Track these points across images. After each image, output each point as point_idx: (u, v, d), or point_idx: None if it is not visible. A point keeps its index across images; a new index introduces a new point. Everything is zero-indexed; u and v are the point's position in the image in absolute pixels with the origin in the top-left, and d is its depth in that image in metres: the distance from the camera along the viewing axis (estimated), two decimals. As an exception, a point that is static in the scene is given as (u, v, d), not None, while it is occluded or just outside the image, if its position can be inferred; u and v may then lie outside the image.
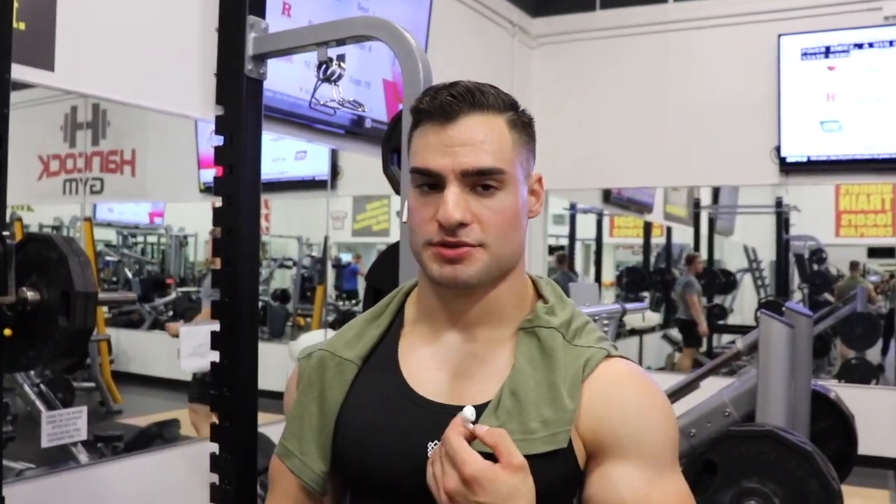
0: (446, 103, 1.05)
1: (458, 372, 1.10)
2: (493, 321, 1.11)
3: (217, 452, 1.98)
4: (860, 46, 6.12)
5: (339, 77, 1.92)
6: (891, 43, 6.03)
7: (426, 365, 1.12)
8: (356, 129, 4.73)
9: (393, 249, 1.84)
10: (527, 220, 1.11)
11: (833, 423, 3.34)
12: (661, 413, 1.06)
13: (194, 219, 6.31)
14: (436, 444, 1.01)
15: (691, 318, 8.36)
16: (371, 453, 1.09)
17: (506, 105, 1.08)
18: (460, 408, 1.00)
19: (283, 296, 7.45)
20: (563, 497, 1.06)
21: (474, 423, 0.96)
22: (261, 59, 1.99)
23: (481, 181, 1.03)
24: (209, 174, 5.26)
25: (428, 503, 0.99)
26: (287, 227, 7.13)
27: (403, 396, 1.10)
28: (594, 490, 1.04)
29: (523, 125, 1.10)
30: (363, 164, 5.31)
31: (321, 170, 5.46)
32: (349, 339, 1.18)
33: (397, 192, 1.87)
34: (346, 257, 9.62)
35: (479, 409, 1.03)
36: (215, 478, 2.03)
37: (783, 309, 3.17)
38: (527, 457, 0.96)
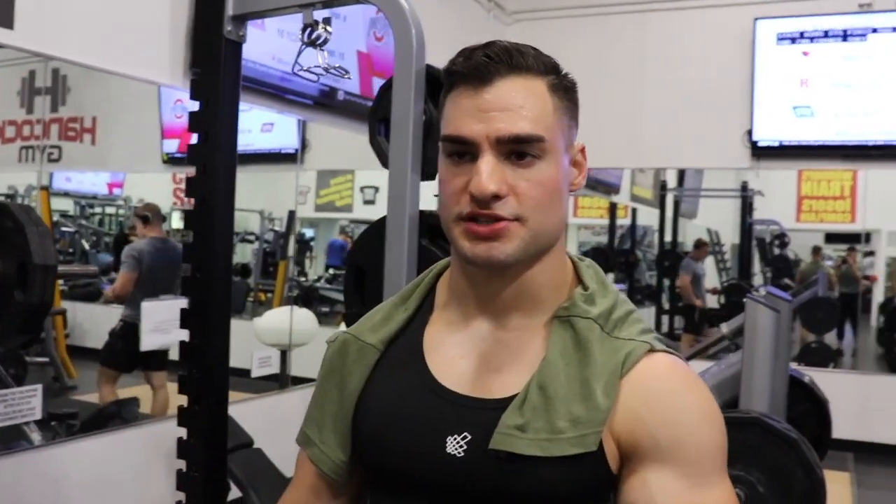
0: (481, 64, 0.95)
1: (486, 362, 1.00)
2: (526, 307, 1.00)
3: (185, 437, 1.87)
4: (834, 33, 6.09)
5: (325, 41, 1.81)
6: (864, 30, 6.01)
7: (452, 353, 1.02)
8: (327, 101, 4.60)
9: (378, 226, 1.74)
10: (568, 194, 1.00)
11: (808, 408, 3.32)
12: (707, 416, 0.94)
13: (155, 190, 6.15)
14: (455, 439, 0.96)
15: (691, 303, 8.37)
16: (389, 444, 1.01)
17: (547, 67, 0.98)
18: (484, 401, 0.95)
19: (243, 271, 7.32)
20: (591, 503, 0.96)
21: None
22: (241, 20, 1.87)
23: (519, 149, 0.94)
24: (172, 144, 5.16)
25: (445, 498, 0.96)
26: (249, 200, 6.99)
27: (425, 386, 1.01)
28: (630, 497, 0.93)
29: (566, 90, 0.99)
30: (330, 138, 5.19)
31: (288, 142, 5.33)
32: (375, 323, 1.10)
33: (384, 164, 1.76)
34: (309, 232, 9.50)
35: (505, 403, 0.95)
36: (181, 463, 1.92)
37: (765, 293, 3.13)
38: (552, 459, 0.90)
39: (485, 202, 0.92)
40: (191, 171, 1.90)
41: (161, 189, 5.74)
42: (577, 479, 0.92)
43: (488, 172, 0.92)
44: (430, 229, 1.72)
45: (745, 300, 2.85)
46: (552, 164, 0.95)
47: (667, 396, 0.94)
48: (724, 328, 3.26)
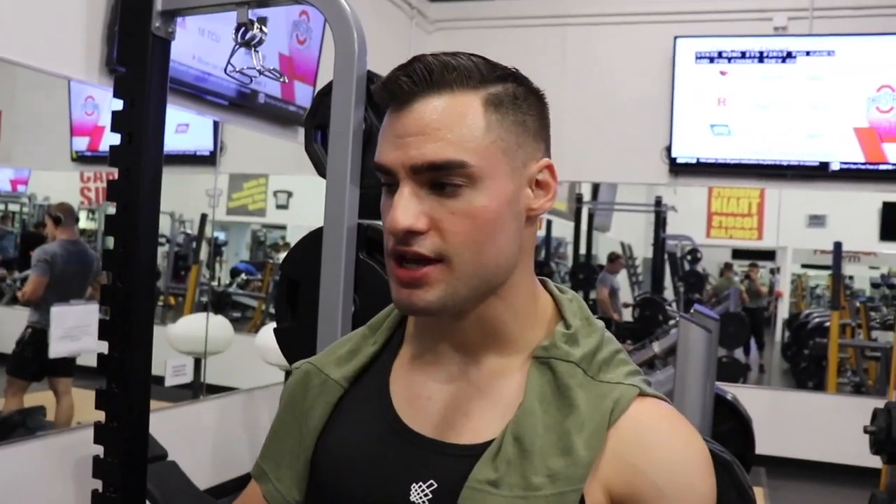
0: (398, 85, 0.85)
1: (456, 403, 0.92)
2: (497, 346, 0.92)
3: (102, 456, 1.76)
4: (751, 54, 6.24)
5: (260, 42, 1.73)
6: (780, 52, 6.17)
7: (421, 392, 0.94)
8: (244, 102, 4.49)
9: (315, 236, 1.67)
10: (522, 222, 0.89)
11: (733, 427, 3.34)
12: (706, 463, 0.88)
13: (62, 189, 5.92)
14: (420, 486, 0.87)
15: (608, 316, 8.43)
16: (347, 491, 0.92)
17: (485, 78, 0.87)
18: (453, 446, 0.88)
19: (153, 274, 7.11)
20: None
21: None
22: (170, 15, 1.77)
23: (438, 178, 0.83)
24: (82, 142, 4.97)
25: None
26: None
27: (390, 427, 0.93)
28: None
29: (513, 101, 0.88)
30: (246, 141, 5.08)
31: (203, 144, 5.19)
32: (341, 356, 1.01)
33: (320, 173, 1.69)
34: (221, 236, 9.31)
35: (476, 451, 0.87)
36: (96, 482, 1.81)
37: (692, 310, 3.15)
38: None
39: (402, 239, 0.84)
40: (112, 172, 1.79)
41: (68, 188, 5.54)
42: None
43: (401, 206, 0.83)
44: (369, 242, 1.66)
45: (678, 319, 2.85)
46: (485, 192, 0.84)
47: (666, 444, 0.87)
48: (657, 347, 3.28)
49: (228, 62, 1.75)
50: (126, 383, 1.74)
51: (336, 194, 1.61)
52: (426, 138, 0.83)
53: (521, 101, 0.89)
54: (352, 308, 1.63)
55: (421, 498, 0.87)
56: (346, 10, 1.63)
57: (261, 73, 1.74)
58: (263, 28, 1.73)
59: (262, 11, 1.77)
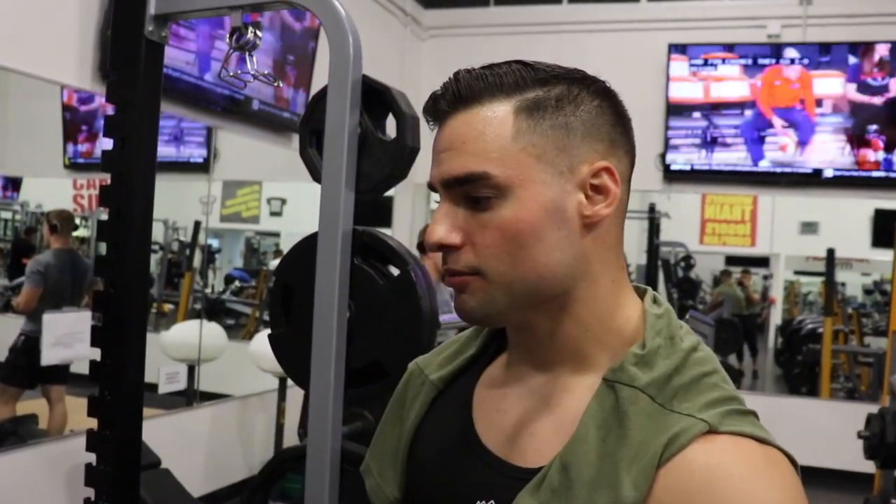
0: (434, 106, 0.89)
1: (526, 421, 0.89)
2: (572, 363, 0.88)
3: (94, 464, 1.74)
4: (745, 61, 6.25)
5: (255, 47, 1.71)
6: (772, 59, 6.18)
7: (499, 405, 0.92)
8: (238, 109, 4.48)
9: (310, 241, 1.65)
10: (576, 229, 0.85)
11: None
12: None
13: (55, 196, 5.90)
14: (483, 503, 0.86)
15: None
16: (423, 496, 0.95)
17: (520, 85, 0.85)
18: (514, 468, 0.86)
19: (146, 281, 7.08)
20: None
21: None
22: (164, 20, 1.76)
23: (469, 191, 0.84)
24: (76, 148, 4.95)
25: None
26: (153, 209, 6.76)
27: (465, 439, 0.93)
28: None
29: (557, 103, 0.85)
30: (239, 148, 5.08)
31: (197, 152, 5.19)
32: (446, 356, 1.03)
33: (314, 177, 1.68)
34: (215, 243, 9.29)
35: (531, 475, 0.83)
36: (88, 490, 1.79)
37: (687, 317, 3.14)
38: None
39: (443, 255, 0.86)
40: (105, 178, 1.78)
41: (61, 195, 5.52)
42: None
43: (437, 220, 0.86)
44: (364, 248, 1.64)
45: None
46: (515, 202, 0.83)
47: (715, 495, 0.74)
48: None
49: (222, 67, 1.74)
50: (119, 390, 1.72)
51: (331, 199, 1.60)
52: (453, 153, 0.85)
53: (566, 102, 0.86)
54: (347, 314, 1.62)
55: None
56: (341, 13, 1.62)
57: (255, 77, 1.73)
58: (258, 32, 1.72)
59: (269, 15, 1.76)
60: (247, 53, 1.72)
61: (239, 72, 1.75)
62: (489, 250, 0.84)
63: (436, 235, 0.85)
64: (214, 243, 9.22)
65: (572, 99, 0.86)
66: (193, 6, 1.75)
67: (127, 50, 1.73)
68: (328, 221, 1.60)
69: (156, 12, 1.73)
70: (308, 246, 1.66)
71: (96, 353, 1.79)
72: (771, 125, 6.19)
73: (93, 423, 1.77)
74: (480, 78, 0.86)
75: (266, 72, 1.76)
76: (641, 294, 0.93)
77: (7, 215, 6.38)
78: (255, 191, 8.27)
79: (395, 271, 1.65)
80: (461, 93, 0.86)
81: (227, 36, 1.73)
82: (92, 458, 1.77)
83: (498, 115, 0.84)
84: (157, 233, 7.32)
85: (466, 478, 0.90)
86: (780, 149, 6.16)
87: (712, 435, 0.78)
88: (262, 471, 2.09)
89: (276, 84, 1.76)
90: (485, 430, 0.91)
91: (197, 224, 6.34)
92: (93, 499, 1.74)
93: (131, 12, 1.72)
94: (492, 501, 0.86)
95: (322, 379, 1.58)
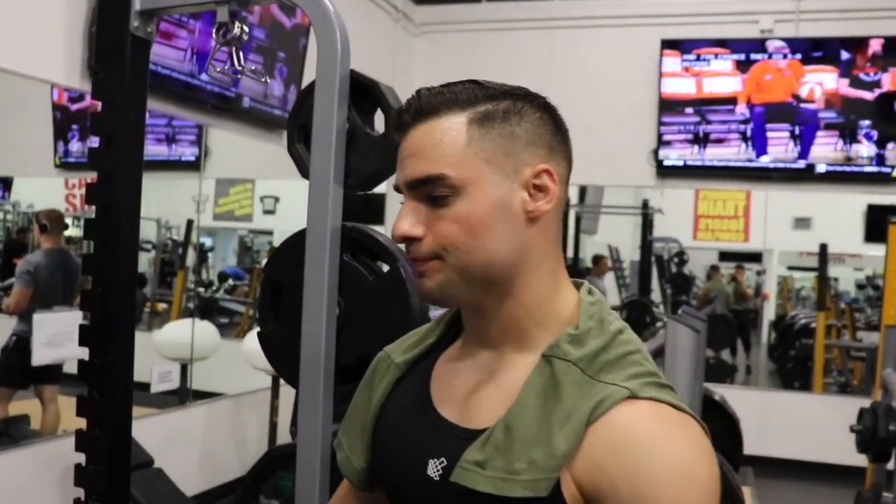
0: (399, 118, 1.03)
1: (476, 391, 1.03)
2: (515, 342, 1.02)
3: (83, 464, 1.73)
4: (737, 56, 6.25)
5: (241, 41, 1.70)
6: (764, 55, 6.18)
7: (453, 380, 1.07)
8: (228, 106, 4.46)
9: (299, 238, 1.64)
10: (521, 223, 1.00)
11: (721, 427, 3.34)
12: (680, 472, 0.87)
13: (47, 195, 5.88)
14: (434, 462, 1.00)
15: None
16: (387, 460, 1.10)
17: (472, 100, 1.00)
18: (462, 430, 1.00)
19: (139, 280, 7.07)
20: None
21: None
22: (149, 15, 1.74)
23: (429, 191, 0.99)
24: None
25: None
26: (145, 208, 6.75)
27: (422, 409, 1.07)
28: None
29: (504, 115, 1.00)
30: (231, 146, 5.06)
31: (188, 150, 5.17)
32: (409, 344, 1.17)
33: (303, 174, 1.67)
34: (208, 241, 9.26)
35: (477, 435, 0.97)
36: (78, 491, 1.78)
37: (679, 312, 3.14)
38: (506, 499, 0.92)
39: (406, 245, 1.01)
40: (92, 176, 1.77)
41: (52, 194, 5.49)
42: None
43: (401, 217, 1.00)
44: (353, 244, 1.63)
45: (666, 321, 2.84)
46: (469, 199, 0.97)
47: (633, 445, 0.88)
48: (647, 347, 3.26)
49: (209, 62, 1.72)
50: (107, 390, 1.71)
51: (319, 195, 1.59)
52: (414, 159, 0.99)
53: (512, 114, 1.00)
54: (336, 311, 1.61)
55: (434, 472, 0.99)
56: (328, 8, 1.61)
57: (242, 72, 1.72)
58: (244, 27, 1.71)
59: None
60: (233, 49, 1.71)
61: (226, 67, 1.74)
62: (447, 239, 0.98)
63: (401, 229, 0.99)
64: (208, 242, 9.20)
65: (517, 111, 1.01)
66: (179, 1, 1.73)
67: (112, 47, 1.72)
68: (317, 217, 1.59)
69: (141, 8, 1.72)
70: (297, 242, 1.65)
71: (87, 353, 1.78)
72: (764, 120, 6.19)
73: (85, 422, 1.76)
74: (438, 94, 1.00)
75: (253, 67, 1.75)
76: (579, 287, 1.08)
77: (-2, 215, 6.36)
78: (248, 189, 8.24)
79: (385, 268, 1.64)
80: (422, 108, 1.00)
81: (214, 31, 1.71)
82: (83, 458, 1.75)
83: (453, 126, 0.99)
84: (150, 232, 7.30)
85: (422, 440, 1.03)
86: (773, 144, 6.16)
87: (634, 400, 0.91)
88: (252, 469, 2.08)
89: (263, 79, 1.75)
90: (440, 401, 1.06)
91: (189, 223, 6.32)
92: (82, 499, 1.73)
93: (116, 8, 1.71)
94: (443, 458, 0.99)
95: (312, 376, 1.57)
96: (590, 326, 0.99)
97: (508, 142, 0.99)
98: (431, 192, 0.98)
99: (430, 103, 1.00)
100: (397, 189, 1.04)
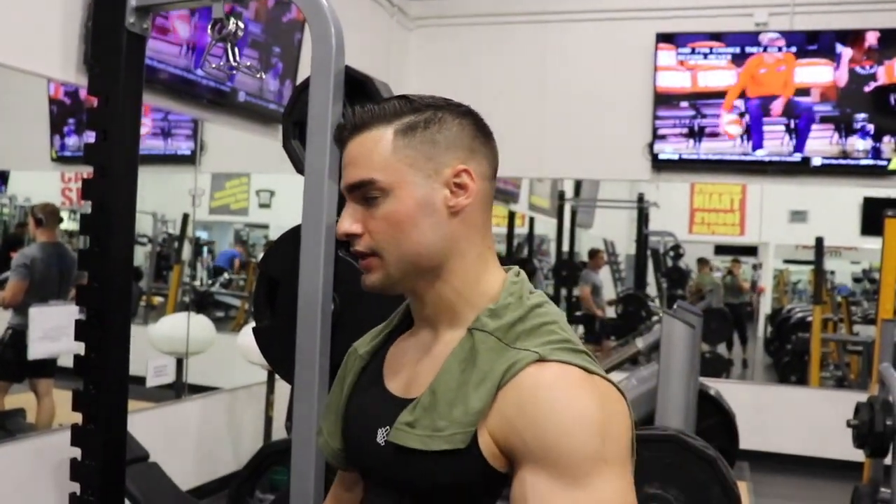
0: (339, 133, 1.16)
1: (416, 367, 1.16)
2: (448, 320, 1.15)
3: (79, 459, 1.74)
4: (732, 49, 6.24)
5: (236, 37, 1.70)
6: (759, 48, 6.18)
7: (400, 359, 1.20)
8: (224, 101, 4.46)
9: (294, 233, 1.65)
10: (444, 217, 1.11)
11: (717, 422, 3.34)
12: (576, 421, 0.98)
13: (44, 189, 5.87)
14: (382, 431, 1.11)
15: (592, 313, 8.44)
16: (350, 439, 1.22)
17: (398, 113, 1.12)
18: (404, 400, 1.11)
19: (135, 274, 7.07)
20: (474, 496, 1.09)
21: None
22: (145, 11, 1.75)
23: (363, 193, 1.11)
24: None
25: (380, 482, 1.15)
26: (141, 202, 6.76)
27: (376, 387, 1.19)
28: (513, 494, 1.03)
29: (425, 125, 1.12)
30: (226, 140, 5.05)
31: (184, 144, 5.17)
32: (373, 334, 1.28)
33: (298, 169, 1.67)
34: (204, 235, 9.26)
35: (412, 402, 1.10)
36: (74, 485, 1.79)
37: (675, 307, 3.14)
38: (432, 453, 1.04)
39: (347, 243, 1.14)
40: (88, 171, 1.77)
41: (49, 188, 5.48)
42: (456, 472, 1.05)
43: (342, 217, 1.13)
44: (348, 239, 1.63)
45: (661, 315, 2.85)
46: (396, 199, 1.09)
47: (537, 402, 0.99)
48: (640, 344, 3.26)
49: (204, 58, 1.72)
50: (103, 384, 1.72)
51: (314, 191, 1.59)
52: (351, 167, 1.12)
53: (433, 123, 1.12)
54: (331, 306, 1.61)
55: (381, 439, 1.11)
56: (323, 5, 1.61)
57: (237, 68, 1.72)
58: (239, 23, 1.71)
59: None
60: (228, 44, 1.71)
61: (221, 63, 1.74)
62: (379, 235, 1.10)
63: (342, 227, 1.12)
64: (204, 235, 9.20)
65: (437, 121, 1.12)
66: (174, -3, 1.73)
67: (108, 42, 1.72)
68: (312, 213, 1.59)
69: (137, 4, 1.72)
70: (293, 238, 1.66)
71: (83, 347, 1.78)
72: (759, 114, 6.19)
73: (80, 417, 1.77)
74: (369, 111, 1.13)
75: (248, 63, 1.75)
76: (506, 270, 1.19)
77: (-5, 210, 6.35)
78: (244, 183, 8.24)
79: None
80: (356, 123, 1.13)
81: (209, 27, 1.71)
82: (79, 452, 1.76)
83: (382, 137, 1.11)
84: (147, 226, 7.30)
85: (375, 414, 1.15)
86: (769, 137, 6.16)
87: (542, 363, 1.02)
88: (247, 465, 2.09)
89: (258, 75, 1.75)
90: (389, 379, 1.19)
91: (185, 216, 6.32)
92: (78, 493, 1.73)
93: (112, 4, 1.71)
94: (387, 427, 1.10)
95: (307, 372, 1.58)
96: (509, 302, 1.10)
97: (429, 147, 1.11)
98: (366, 195, 1.10)
99: (363, 118, 1.12)
100: (341, 193, 1.17)
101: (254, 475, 3.36)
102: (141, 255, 7.36)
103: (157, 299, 7.04)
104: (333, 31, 1.59)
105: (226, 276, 8.84)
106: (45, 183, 5.55)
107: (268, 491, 3.61)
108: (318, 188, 1.59)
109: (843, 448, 4.54)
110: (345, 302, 1.63)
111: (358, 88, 1.65)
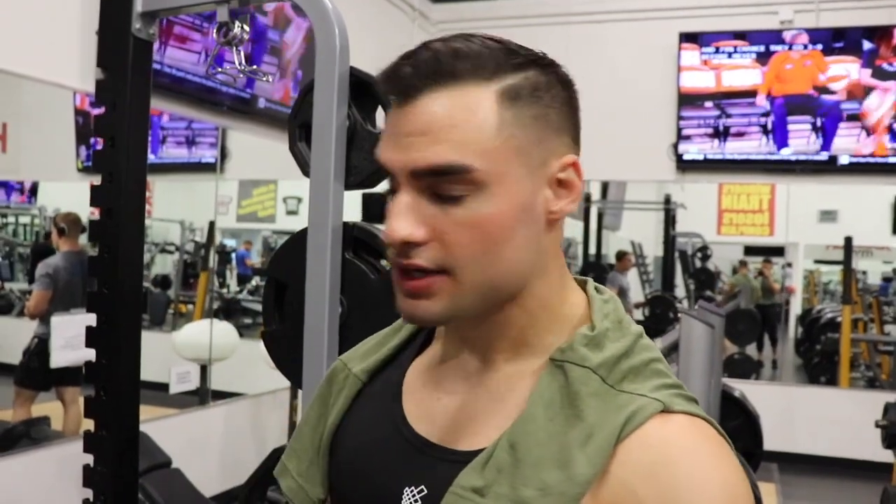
0: (404, 76, 0.77)
1: (464, 406, 0.85)
2: (510, 348, 0.84)
3: (91, 465, 1.74)
4: (756, 48, 6.19)
5: (242, 41, 1.70)
6: (784, 47, 6.12)
7: (433, 392, 0.88)
8: (244, 107, 4.48)
9: (299, 238, 1.64)
10: (542, 226, 0.81)
11: (741, 423, 3.31)
12: (722, 497, 0.72)
13: (72, 199, 5.94)
14: (412, 491, 0.82)
15: None
16: (348, 489, 0.90)
17: (501, 67, 0.77)
18: (450, 452, 0.81)
19: (163, 282, 7.13)
20: None
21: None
22: (151, 17, 1.75)
23: (441, 183, 0.76)
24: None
25: None
26: (169, 210, 6.82)
27: (395, 426, 0.88)
28: None
29: (534, 92, 0.78)
30: (251, 147, 5.08)
31: (208, 152, 5.20)
32: (367, 350, 0.98)
33: (304, 171, 1.67)
34: (231, 243, 9.32)
35: (470, 458, 0.79)
36: (88, 491, 1.79)
37: (696, 306, 3.11)
38: None
39: (401, 250, 0.78)
40: (97, 178, 1.78)
41: (76, 198, 5.54)
42: None
43: (398, 213, 0.77)
44: (355, 242, 1.63)
45: (679, 316, 2.81)
46: (493, 198, 0.76)
47: (671, 468, 0.73)
48: (659, 344, 3.23)
49: (209, 62, 1.73)
50: (115, 391, 1.72)
51: (320, 193, 1.59)
52: (430, 139, 0.75)
53: (542, 91, 0.79)
54: (339, 310, 1.60)
55: (412, 500, 0.82)
56: (327, 6, 1.60)
57: (242, 72, 1.72)
58: (245, 27, 1.71)
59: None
60: (234, 48, 1.71)
61: (227, 67, 1.74)
62: (464, 250, 0.76)
63: (400, 232, 0.76)
64: (231, 243, 9.26)
65: (547, 88, 0.80)
66: (181, 2, 1.74)
67: (114, 48, 1.73)
68: (318, 216, 1.58)
69: (143, 9, 1.72)
70: (298, 242, 1.65)
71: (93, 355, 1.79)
72: (784, 113, 6.13)
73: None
74: (459, 53, 0.77)
75: (254, 67, 1.75)
76: (581, 284, 0.90)
77: (26, 220, 6.42)
78: (271, 190, 8.28)
79: (388, 265, 1.64)
80: (441, 67, 0.76)
81: (214, 31, 1.72)
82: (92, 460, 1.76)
83: (482, 101, 0.76)
84: (175, 234, 7.36)
85: (394, 465, 0.85)
86: (794, 136, 6.10)
87: (667, 413, 0.76)
88: (258, 468, 2.09)
89: (266, 79, 1.75)
90: (416, 418, 0.87)
91: (212, 224, 6.36)
92: (91, 499, 1.74)
93: (118, 10, 1.71)
94: (422, 487, 0.81)
95: (315, 376, 1.57)
96: (606, 327, 0.82)
97: (541, 126, 0.79)
98: (445, 185, 0.76)
99: (452, 64, 0.76)
100: (385, 171, 0.80)
101: (266, 478, 3.37)
102: (169, 264, 7.44)
103: (186, 307, 7.10)
104: (337, 32, 1.58)
105: (253, 283, 8.89)
106: (73, 193, 5.61)
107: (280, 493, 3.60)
108: (324, 191, 1.59)
109: (873, 449, 4.48)
110: (353, 305, 1.62)
111: (364, 90, 1.64)
